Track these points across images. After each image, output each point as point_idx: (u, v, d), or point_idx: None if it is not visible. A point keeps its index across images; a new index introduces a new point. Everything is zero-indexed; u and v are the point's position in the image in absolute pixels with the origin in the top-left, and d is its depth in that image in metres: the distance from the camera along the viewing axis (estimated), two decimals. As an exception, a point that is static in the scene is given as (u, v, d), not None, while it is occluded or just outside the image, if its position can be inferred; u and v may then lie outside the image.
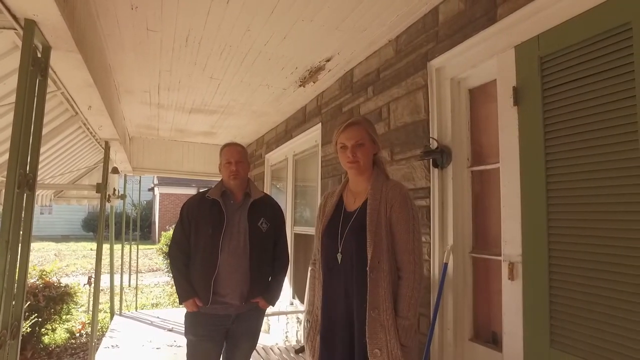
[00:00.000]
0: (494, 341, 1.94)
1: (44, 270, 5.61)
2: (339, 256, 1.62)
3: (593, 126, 1.41)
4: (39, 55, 1.77)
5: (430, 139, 2.20)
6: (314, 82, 3.47)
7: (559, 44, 1.53)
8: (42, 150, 3.21)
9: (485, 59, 1.92)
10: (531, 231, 1.63)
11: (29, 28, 1.59)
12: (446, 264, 2.06)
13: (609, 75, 1.37)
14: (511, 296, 1.71)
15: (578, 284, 1.44)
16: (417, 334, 1.58)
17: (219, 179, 2.43)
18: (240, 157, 2.34)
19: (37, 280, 5.39)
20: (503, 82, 1.80)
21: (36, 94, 1.71)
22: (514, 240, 1.70)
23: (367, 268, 1.52)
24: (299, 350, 3.41)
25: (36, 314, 4.95)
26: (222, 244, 2.22)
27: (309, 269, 1.80)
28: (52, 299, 5.24)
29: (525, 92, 1.67)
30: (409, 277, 1.53)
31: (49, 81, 2.13)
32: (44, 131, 2.54)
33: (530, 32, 1.66)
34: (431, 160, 2.18)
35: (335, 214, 1.73)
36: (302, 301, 4.13)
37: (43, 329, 5.24)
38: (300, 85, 3.56)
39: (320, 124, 3.68)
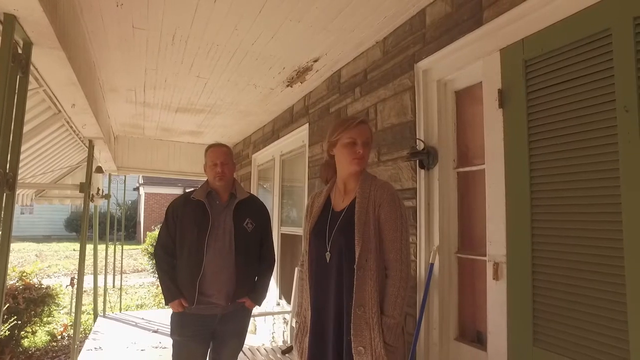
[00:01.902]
0: (479, 340, 1.96)
1: (24, 272, 5.47)
2: (328, 255, 1.63)
3: (575, 129, 1.44)
4: (20, 51, 1.73)
5: (417, 140, 2.21)
6: (301, 83, 3.46)
7: (543, 48, 1.55)
8: (23, 148, 3.14)
9: (472, 61, 1.94)
10: (515, 232, 1.65)
11: (9, 23, 1.55)
12: (432, 264, 2.07)
13: (590, 80, 1.39)
14: (496, 296, 1.74)
15: (560, 284, 1.47)
16: (404, 333, 1.59)
17: (206, 179, 2.42)
18: (225, 158, 2.33)
19: (17, 281, 5.25)
20: (489, 84, 1.82)
21: (17, 91, 1.67)
22: (499, 240, 1.73)
23: (355, 266, 1.52)
24: (286, 351, 3.40)
25: (15, 317, 4.83)
26: (207, 245, 2.22)
27: (297, 269, 1.79)
28: (33, 301, 5.11)
29: (510, 95, 1.70)
30: (395, 275, 1.54)
31: (31, 78, 2.08)
32: (25, 129, 2.48)
33: (515, 35, 1.68)
34: (418, 161, 2.19)
35: (323, 214, 1.73)
36: (288, 302, 4.12)
37: (23, 332, 5.11)
38: (287, 86, 3.55)
39: (307, 124, 3.68)
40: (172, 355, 2.29)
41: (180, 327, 2.26)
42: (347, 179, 1.71)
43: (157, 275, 2.73)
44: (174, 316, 2.29)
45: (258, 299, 2.37)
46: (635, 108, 1.25)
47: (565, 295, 1.45)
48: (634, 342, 1.24)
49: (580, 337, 1.40)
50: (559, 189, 1.49)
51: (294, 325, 1.69)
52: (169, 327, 2.33)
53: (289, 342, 3.76)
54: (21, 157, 2.37)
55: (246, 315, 2.41)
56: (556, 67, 1.51)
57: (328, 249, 1.63)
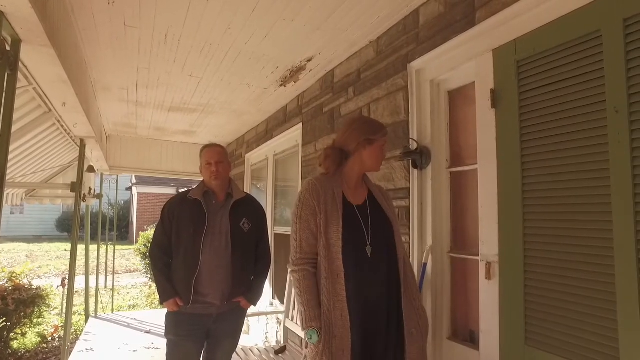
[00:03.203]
0: (472, 340, 1.97)
1: (14, 272, 5.41)
2: (369, 249, 1.60)
3: (566, 129, 1.45)
4: (8, 48, 1.70)
5: (410, 140, 2.22)
6: (294, 82, 3.46)
7: (535, 49, 1.56)
8: (12, 147, 3.09)
9: (465, 61, 1.95)
10: (507, 231, 1.66)
11: (-3, 19, 1.53)
12: (425, 264, 2.08)
13: (581, 80, 1.41)
14: (488, 295, 1.75)
15: (552, 283, 1.48)
16: None
17: (199, 179, 2.42)
18: (220, 158, 2.34)
19: (6, 282, 5.19)
20: (481, 84, 1.83)
21: (5, 89, 1.65)
22: (491, 240, 1.74)
23: (398, 256, 1.65)
24: (279, 351, 3.38)
25: (4, 318, 4.77)
26: (203, 244, 2.22)
27: (299, 269, 1.62)
28: (23, 302, 5.05)
29: (502, 95, 1.71)
30: (408, 261, 1.75)
31: (20, 76, 2.06)
32: (14, 128, 2.45)
33: (507, 36, 1.69)
34: (411, 161, 2.20)
35: (348, 208, 1.66)
36: (282, 302, 4.11)
37: (12, 334, 5.05)
38: (281, 85, 3.54)
39: (301, 124, 3.67)
40: (167, 355, 2.28)
41: (175, 327, 2.25)
42: (359, 176, 1.74)
43: (150, 275, 2.71)
44: (168, 315, 2.28)
45: (254, 299, 2.37)
46: (625, 109, 1.26)
47: (556, 294, 1.46)
48: (624, 340, 1.25)
49: (572, 335, 1.41)
50: (550, 189, 1.50)
51: (313, 331, 1.57)
52: (163, 327, 2.32)
53: (282, 342, 3.75)
54: (11, 156, 2.34)
55: (241, 315, 2.41)
56: (548, 67, 1.52)
57: (368, 243, 1.61)
